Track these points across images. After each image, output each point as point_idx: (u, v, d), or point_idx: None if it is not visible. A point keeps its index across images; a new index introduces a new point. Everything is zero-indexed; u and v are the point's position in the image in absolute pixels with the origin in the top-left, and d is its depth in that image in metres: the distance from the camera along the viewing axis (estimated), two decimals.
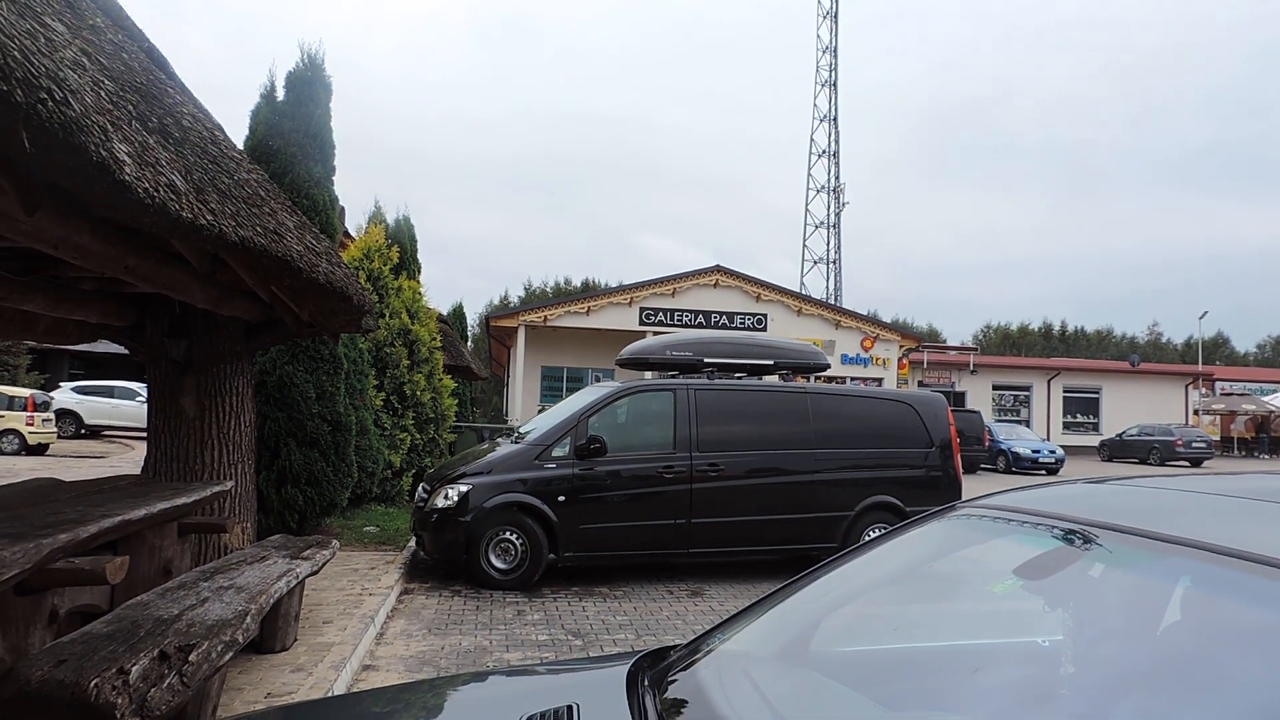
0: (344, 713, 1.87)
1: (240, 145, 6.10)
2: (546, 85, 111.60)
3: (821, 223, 46.67)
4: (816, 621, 1.89)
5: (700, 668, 1.70)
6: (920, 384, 30.40)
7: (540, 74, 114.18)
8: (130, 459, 15.98)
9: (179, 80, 4.37)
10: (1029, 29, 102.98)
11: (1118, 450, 28.53)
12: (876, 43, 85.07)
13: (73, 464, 15.42)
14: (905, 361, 28.50)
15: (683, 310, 25.37)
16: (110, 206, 2.49)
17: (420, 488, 7.56)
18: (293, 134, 7.21)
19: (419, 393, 11.14)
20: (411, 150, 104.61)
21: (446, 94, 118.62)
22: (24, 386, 20.47)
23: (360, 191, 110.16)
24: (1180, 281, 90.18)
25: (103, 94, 2.49)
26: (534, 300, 50.58)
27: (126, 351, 5.93)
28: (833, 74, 45.59)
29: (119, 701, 2.32)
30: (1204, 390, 34.81)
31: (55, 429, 19.13)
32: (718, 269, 25.94)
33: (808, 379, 9.42)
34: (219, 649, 2.85)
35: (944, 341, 50.31)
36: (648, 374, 10.68)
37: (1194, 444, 26.30)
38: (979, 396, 32.12)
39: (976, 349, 39.62)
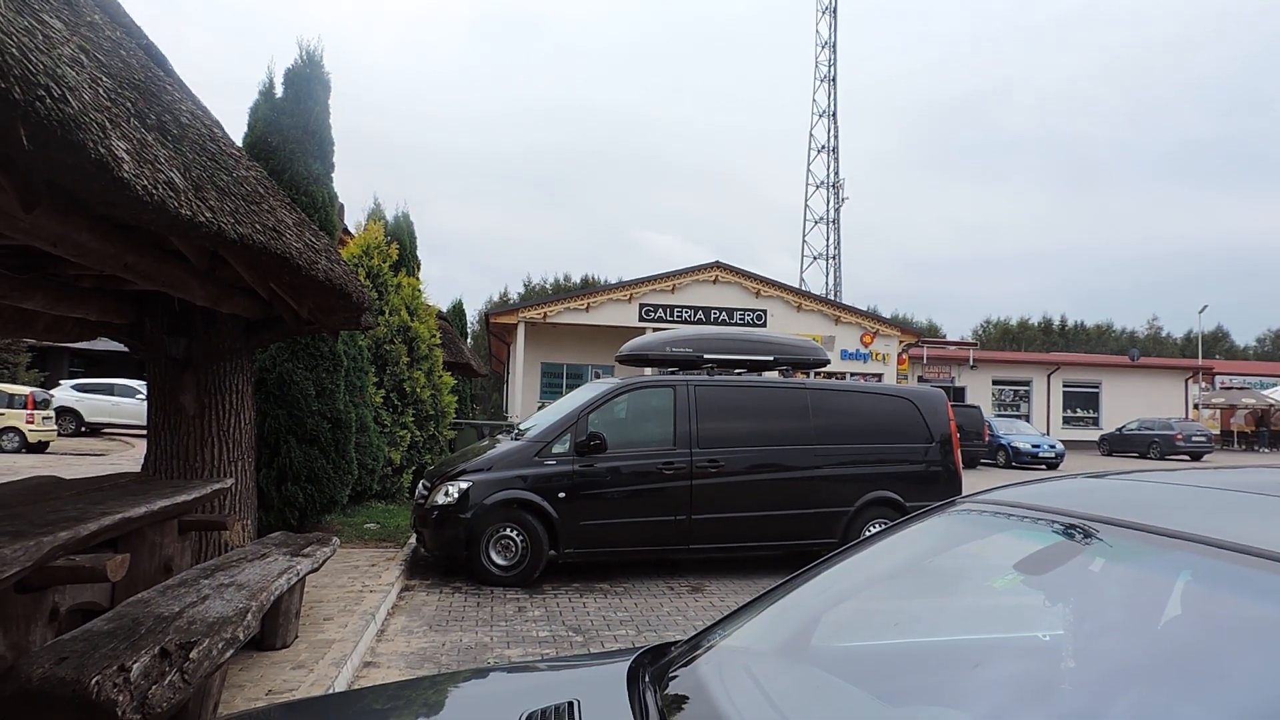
0: (345, 710, 1.87)
1: (239, 142, 6.09)
2: (546, 81, 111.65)
3: (821, 218, 46.67)
4: (817, 617, 1.89)
5: (701, 664, 1.70)
6: (920, 379, 30.39)
7: (540, 70, 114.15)
8: (130, 457, 16.00)
9: (177, 77, 4.36)
10: (1029, 25, 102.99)
11: (1118, 445, 28.53)
12: (876, 38, 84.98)
13: (73, 462, 15.42)
14: (905, 357, 28.49)
15: (682, 306, 25.34)
16: (109, 204, 2.49)
17: (420, 485, 7.56)
18: (291, 131, 7.20)
19: (419, 390, 11.14)
20: (411, 147, 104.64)
21: (446, 90, 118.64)
22: (24, 384, 20.49)
23: (360, 188, 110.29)
24: (1180, 276, 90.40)
25: (101, 91, 2.48)
26: (534, 297, 50.48)
27: (126, 349, 5.95)
28: (832, 69, 45.55)
29: (120, 699, 2.32)
30: (1204, 384, 34.80)
31: (55, 427, 19.14)
32: (717, 265, 25.91)
33: (807, 375, 9.41)
34: (220, 646, 2.86)
35: (944, 336, 50.27)
36: (647, 370, 10.66)
37: (1194, 438, 26.30)
38: (979, 391, 32.16)
39: (976, 344, 39.56)
